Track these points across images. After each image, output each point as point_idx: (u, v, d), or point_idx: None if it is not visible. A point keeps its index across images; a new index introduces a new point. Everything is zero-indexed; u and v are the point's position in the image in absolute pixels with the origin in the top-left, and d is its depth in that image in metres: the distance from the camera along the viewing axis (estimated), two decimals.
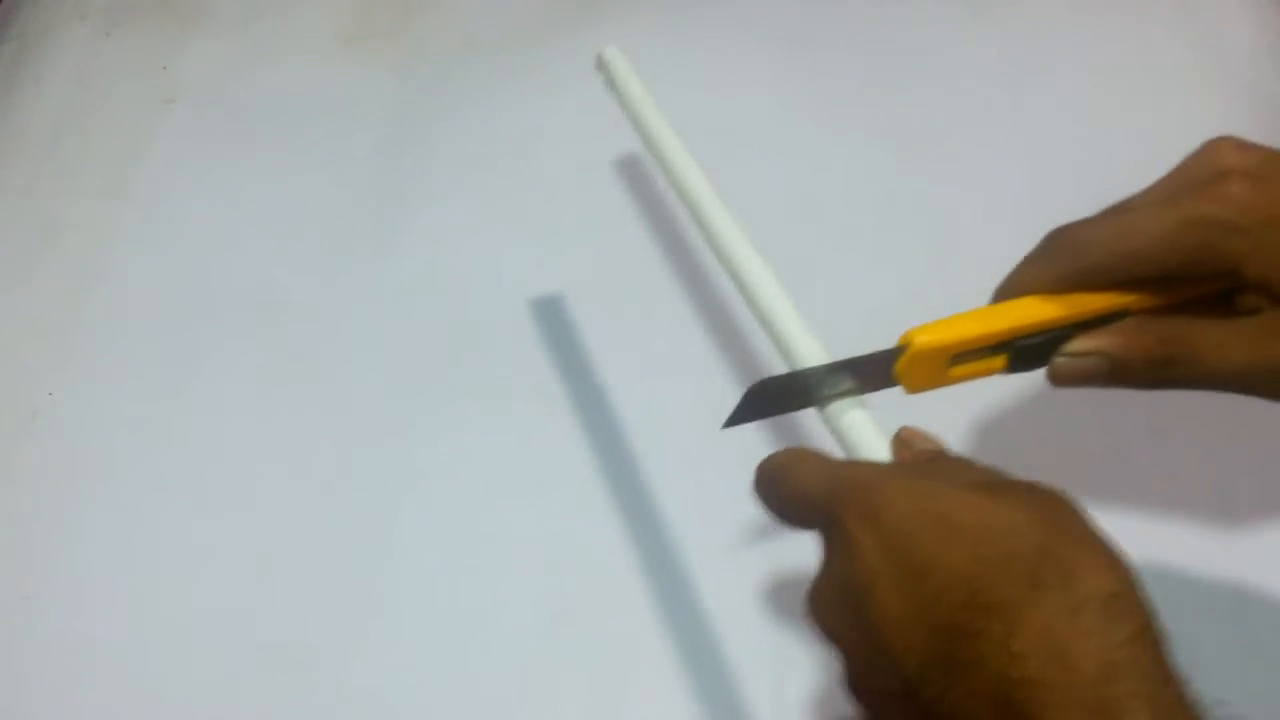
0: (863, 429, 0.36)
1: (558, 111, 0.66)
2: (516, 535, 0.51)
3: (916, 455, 0.35)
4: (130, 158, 0.64)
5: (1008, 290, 0.37)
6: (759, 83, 0.67)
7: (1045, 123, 0.64)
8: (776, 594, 0.49)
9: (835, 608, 0.31)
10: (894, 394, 0.38)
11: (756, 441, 0.53)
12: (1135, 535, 0.48)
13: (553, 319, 0.58)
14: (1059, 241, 0.37)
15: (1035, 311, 0.36)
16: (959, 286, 0.58)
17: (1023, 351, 0.37)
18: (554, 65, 0.67)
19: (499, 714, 0.47)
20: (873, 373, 0.37)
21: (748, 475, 0.52)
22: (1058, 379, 0.37)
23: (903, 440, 0.36)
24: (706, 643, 0.48)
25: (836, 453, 0.36)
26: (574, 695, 0.47)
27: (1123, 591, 0.27)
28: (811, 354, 0.38)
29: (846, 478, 0.32)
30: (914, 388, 0.37)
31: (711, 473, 0.52)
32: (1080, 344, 0.36)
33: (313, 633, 0.49)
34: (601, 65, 0.50)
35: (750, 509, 0.51)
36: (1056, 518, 0.29)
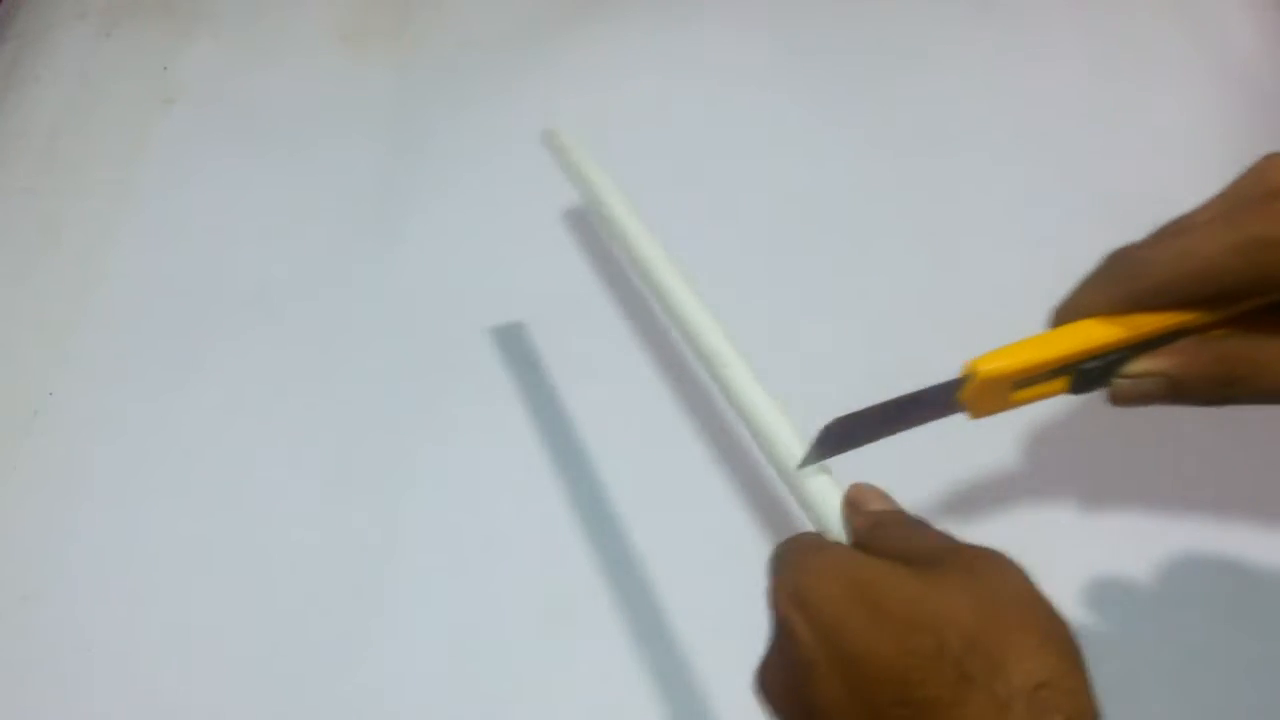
0: (825, 495, 0.36)
1: (558, 111, 0.66)
2: (516, 535, 0.51)
3: (865, 519, 0.34)
4: (130, 157, 0.64)
5: (1067, 313, 0.37)
6: (757, 81, 0.67)
7: (1045, 122, 0.64)
8: None
9: (780, 688, 0.32)
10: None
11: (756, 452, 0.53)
12: (1146, 534, 0.49)
13: (552, 319, 0.58)
14: (1117, 263, 0.37)
15: (1095, 334, 0.36)
16: (957, 284, 0.58)
17: (1084, 374, 0.37)
18: (554, 64, 0.67)
19: (499, 714, 0.47)
20: (938, 403, 0.37)
21: (740, 485, 0.52)
22: (1119, 400, 0.37)
23: (851, 502, 0.35)
24: (710, 643, 0.48)
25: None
26: (575, 695, 0.47)
27: (1052, 679, 0.27)
28: (788, 448, 0.38)
29: (783, 556, 0.33)
30: (978, 414, 0.37)
31: (714, 473, 0.52)
32: (1141, 365, 0.36)
33: (312, 632, 0.49)
34: (549, 142, 0.50)
35: (756, 500, 0.51)
36: (991, 596, 0.29)
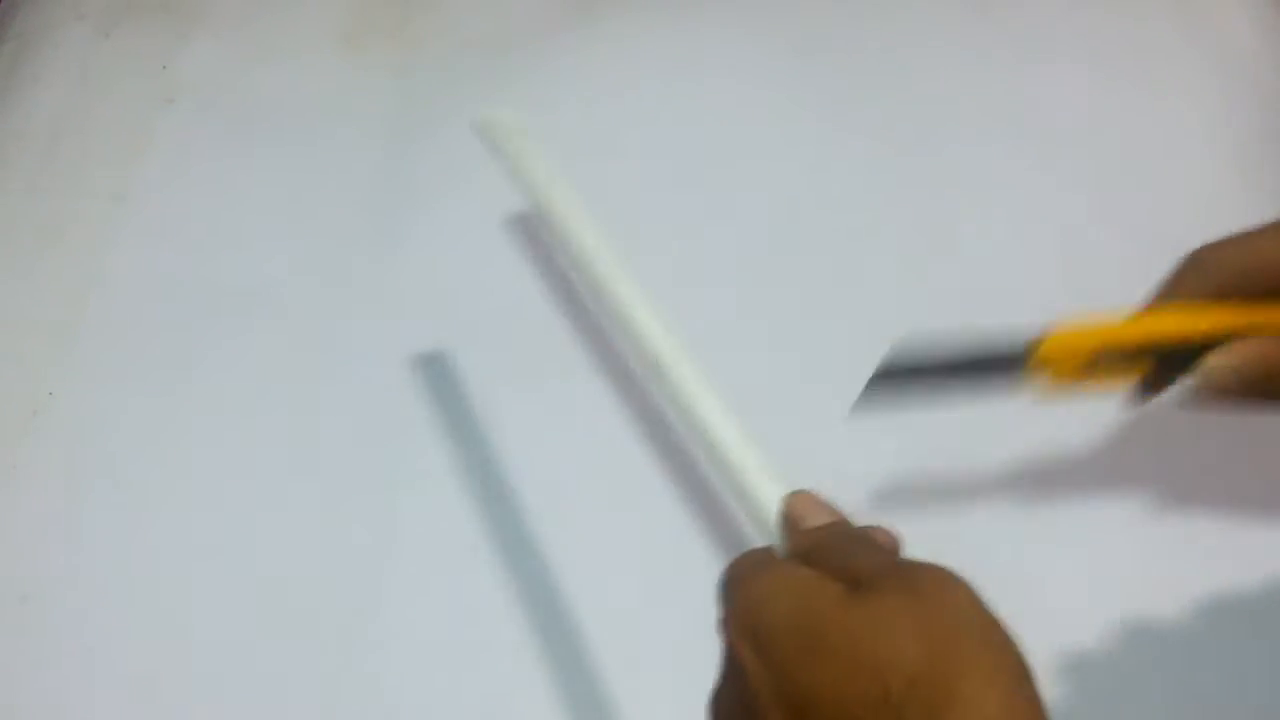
0: (771, 507, 0.34)
1: (558, 111, 0.66)
2: (516, 535, 0.51)
3: (803, 539, 0.33)
4: (130, 157, 0.64)
5: (1147, 308, 0.38)
6: (757, 81, 0.67)
7: (1044, 123, 0.64)
8: None
9: (730, 717, 0.31)
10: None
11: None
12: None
13: (552, 319, 0.58)
14: (1188, 262, 0.38)
15: (1176, 322, 0.36)
16: (959, 285, 0.58)
17: (1163, 364, 0.36)
18: (554, 65, 0.67)
19: (499, 713, 0.47)
20: (1004, 360, 0.35)
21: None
22: (1197, 394, 0.36)
23: (788, 519, 0.34)
24: (706, 644, 0.48)
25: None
26: (574, 695, 0.47)
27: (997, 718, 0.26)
28: (741, 464, 0.36)
29: (732, 578, 0.32)
30: (1048, 385, 0.36)
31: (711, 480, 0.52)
32: (1215, 358, 0.36)
33: (313, 632, 0.49)
34: (481, 131, 0.47)
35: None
36: (934, 626, 0.27)
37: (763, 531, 0.34)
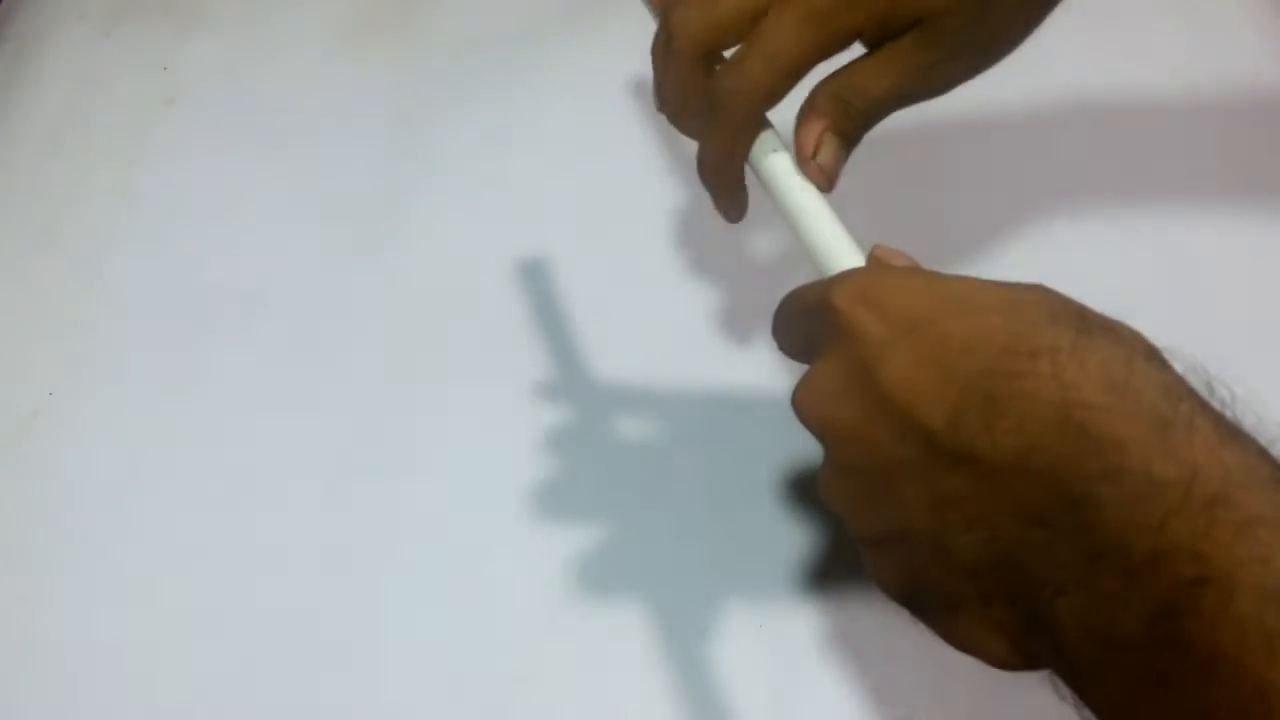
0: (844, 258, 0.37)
1: (559, 111, 0.66)
2: (517, 534, 0.51)
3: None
4: (131, 158, 0.64)
5: None
6: None
7: (1043, 123, 0.64)
8: (779, 598, 0.49)
9: (836, 391, 0.30)
10: None
11: (757, 438, 0.53)
12: None
13: (554, 320, 0.58)
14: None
15: None
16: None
17: None
18: (555, 64, 0.68)
19: (499, 713, 0.47)
20: None
21: (749, 469, 0.52)
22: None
23: (878, 259, 0.36)
24: (707, 644, 0.48)
25: None
26: (575, 695, 0.47)
27: (1155, 349, 0.28)
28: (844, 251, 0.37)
29: (843, 273, 0.34)
30: None
31: (715, 473, 0.52)
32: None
33: (313, 632, 0.49)
34: None
35: (757, 500, 0.51)
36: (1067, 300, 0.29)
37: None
